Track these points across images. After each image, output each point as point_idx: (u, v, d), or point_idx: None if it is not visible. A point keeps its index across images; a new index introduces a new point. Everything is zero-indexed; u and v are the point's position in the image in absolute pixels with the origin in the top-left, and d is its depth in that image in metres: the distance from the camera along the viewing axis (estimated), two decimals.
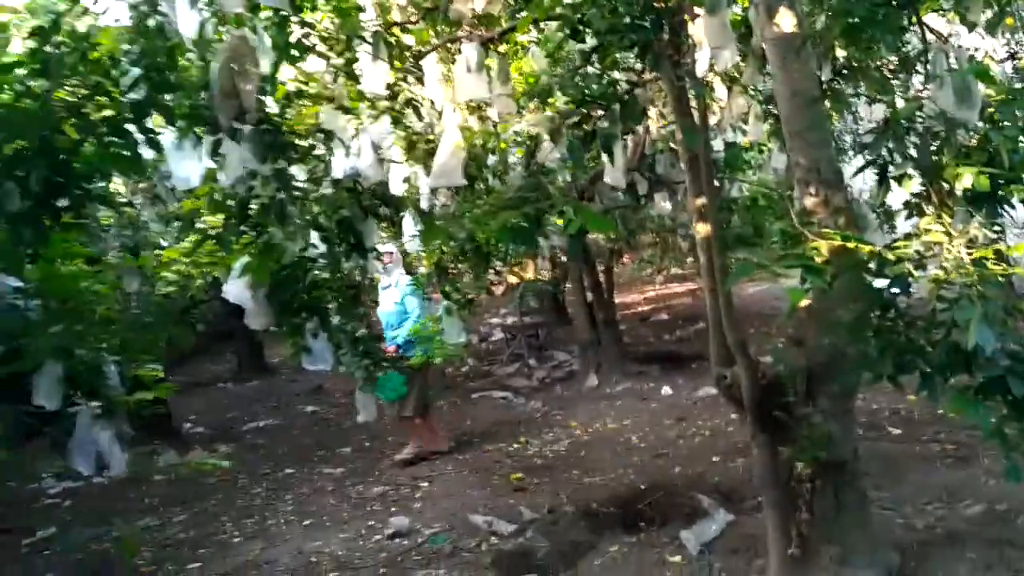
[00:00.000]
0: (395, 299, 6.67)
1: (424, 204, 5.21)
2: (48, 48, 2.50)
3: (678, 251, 11.11)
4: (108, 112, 2.55)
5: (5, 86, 2.35)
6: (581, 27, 3.14)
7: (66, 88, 2.52)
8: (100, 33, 2.52)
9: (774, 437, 3.48)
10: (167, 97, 2.60)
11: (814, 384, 3.35)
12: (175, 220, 5.68)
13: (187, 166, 3.26)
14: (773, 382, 3.43)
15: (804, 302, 2.88)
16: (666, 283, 15.61)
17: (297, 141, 2.82)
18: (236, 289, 3.75)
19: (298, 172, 3.98)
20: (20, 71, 2.57)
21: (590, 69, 3.66)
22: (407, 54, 3.83)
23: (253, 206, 2.85)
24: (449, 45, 4.11)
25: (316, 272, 4.24)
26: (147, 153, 2.69)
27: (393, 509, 5.72)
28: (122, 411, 3.51)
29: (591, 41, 3.28)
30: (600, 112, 3.91)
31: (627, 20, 2.82)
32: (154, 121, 2.83)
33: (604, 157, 4.18)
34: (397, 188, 4.91)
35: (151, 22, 2.72)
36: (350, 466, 7.07)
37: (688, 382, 8.40)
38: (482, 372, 10.47)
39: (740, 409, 3.69)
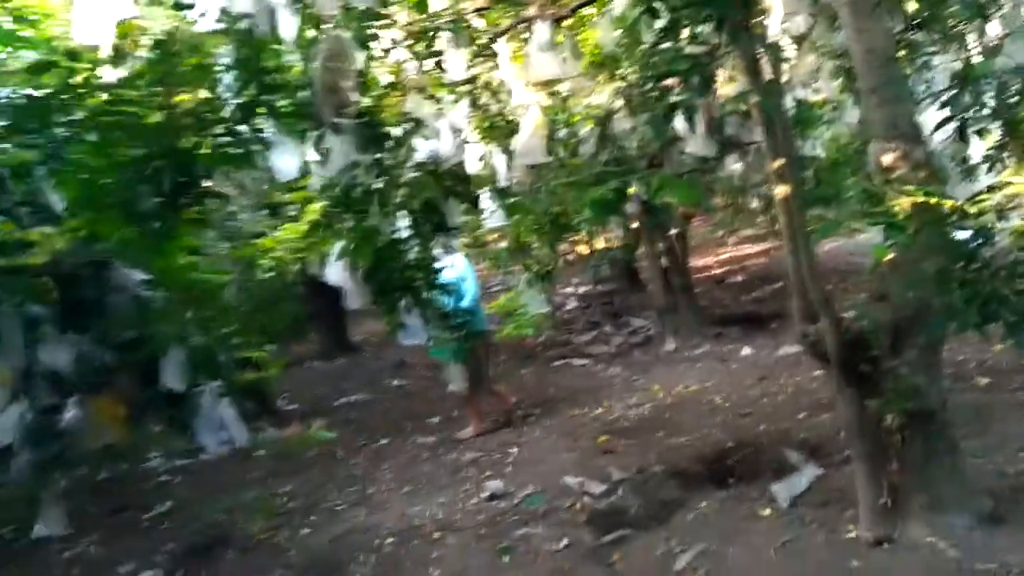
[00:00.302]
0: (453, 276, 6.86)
1: (502, 181, 5.38)
2: (164, 59, 2.74)
3: (750, 212, 11.04)
4: (221, 114, 2.77)
5: (134, 94, 2.59)
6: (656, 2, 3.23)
7: (184, 94, 2.76)
8: (207, 41, 2.74)
9: (861, 391, 3.56)
10: (272, 97, 2.82)
11: (900, 337, 3.41)
12: (266, 209, 5.98)
13: (286, 159, 3.51)
14: (858, 337, 3.50)
15: (887, 257, 2.95)
16: (739, 244, 15.48)
17: (390, 130, 3.00)
18: (336, 272, 4.00)
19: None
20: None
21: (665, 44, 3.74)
22: (481, 37, 3.98)
23: (354, 194, 3.06)
24: (520, 26, 4.24)
25: (406, 252, 4.47)
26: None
27: (487, 473, 5.98)
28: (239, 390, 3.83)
29: (664, 18, 3.36)
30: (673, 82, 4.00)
31: None
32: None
33: (680, 126, 4.25)
34: (473, 167, 5.09)
35: (243, 26, 2.93)
36: (440, 435, 7.35)
37: (768, 341, 8.41)
38: (560, 341, 10.62)
39: (825, 365, 3.77)
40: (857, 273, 9.24)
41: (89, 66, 2.41)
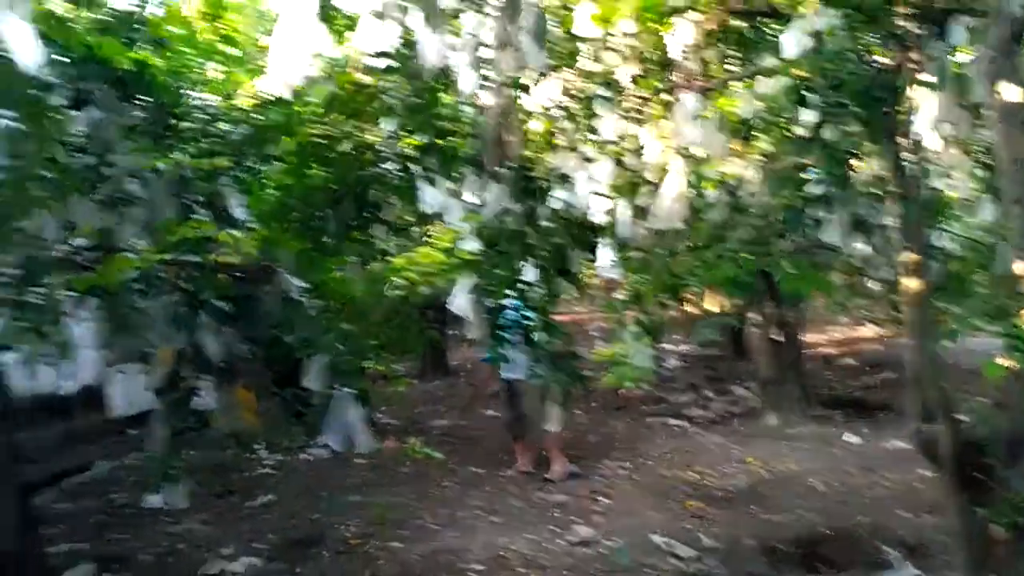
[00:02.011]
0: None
1: (624, 233, 5.55)
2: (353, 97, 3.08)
3: (868, 294, 10.81)
4: (396, 151, 3.09)
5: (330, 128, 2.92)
6: (806, 93, 3.38)
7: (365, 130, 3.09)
8: (388, 81, 3.05)
9: (971, 498, 3.53)
10: (444, 142, 3.11)
11: (1017, 448, 3.38)
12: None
13: (436, 195, 3.84)
14: (974, 442, 3.49)
15: (1011, 364, 2.95)
16: (853, 325, 15.11)
17: (542, 183, 3.25)
18: (460, 302, 4.26)
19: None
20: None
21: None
22: (631, 100, 4.21)
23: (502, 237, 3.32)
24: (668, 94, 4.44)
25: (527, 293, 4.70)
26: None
27: (574, 517, 6.10)
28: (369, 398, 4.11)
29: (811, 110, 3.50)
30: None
31: (854, 92, 3.03)
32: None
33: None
34: (599, 218, 5.30)
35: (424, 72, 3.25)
36: (531, 472, 7.51)
37: (875, 431, 8.23)
38: (656, 397, 10.64)
39: (936, 467, 3.75)
40: (977, 374, 8.92)
41: (303, 103, 2.76)
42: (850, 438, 8.12)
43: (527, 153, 3.37)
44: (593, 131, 3.66)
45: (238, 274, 3.52)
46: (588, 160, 3.90)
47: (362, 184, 2.96)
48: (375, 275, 4.85)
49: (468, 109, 3.16)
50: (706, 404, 9.91)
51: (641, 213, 5.44)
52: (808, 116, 4.21)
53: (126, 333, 3.92)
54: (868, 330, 14.83)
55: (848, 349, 13.55)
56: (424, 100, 3.01)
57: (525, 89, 3.14)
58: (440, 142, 3.04)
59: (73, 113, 3.59)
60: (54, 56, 3.47)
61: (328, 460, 8.38)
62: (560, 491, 6.82)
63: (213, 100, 3.97)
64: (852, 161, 5.52)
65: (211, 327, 3.84)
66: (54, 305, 2.78)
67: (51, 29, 3.30)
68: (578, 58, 3.80)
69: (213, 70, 4.02)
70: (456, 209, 4.26)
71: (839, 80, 3.15)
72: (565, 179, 3.36)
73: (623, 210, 5.31)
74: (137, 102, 3.78)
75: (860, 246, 7.09)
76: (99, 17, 3.65)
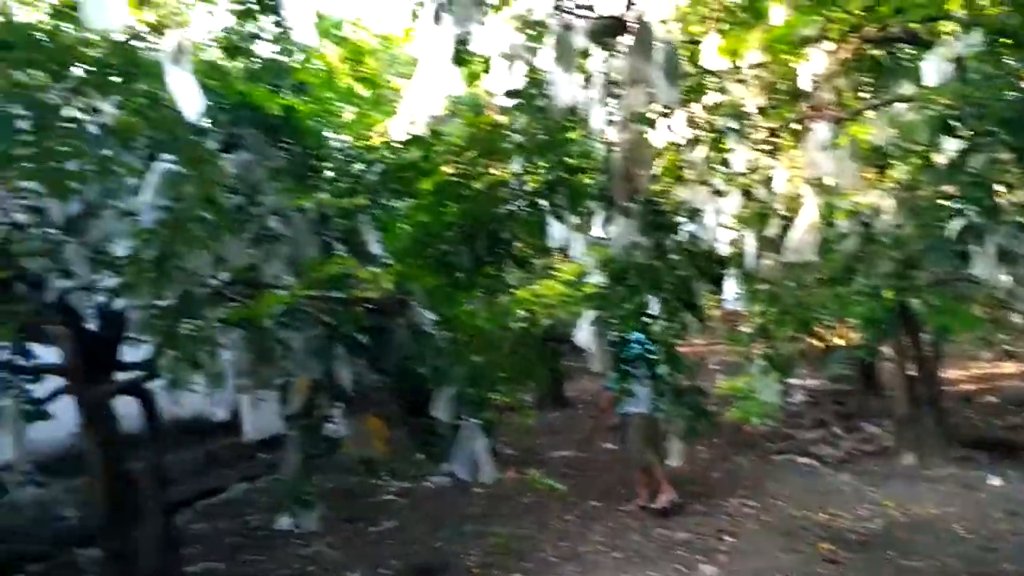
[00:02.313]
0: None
1: (748, 264, 5.44)
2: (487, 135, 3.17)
3: (1012, 328, 10.13)
4: (526, 188, 3.16)
5: (455, 166, 3.03)
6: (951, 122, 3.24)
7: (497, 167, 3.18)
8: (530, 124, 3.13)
9: None
10: (573, 177, 3.17)
11: None
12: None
13: (563, 231, 3.90)
14: None
15: None
16: (994, 361, 14.19)
17: (672, 217, 3.24)
18: (585, 335, 4.27)
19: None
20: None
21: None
22: (761, 131, 4.15)
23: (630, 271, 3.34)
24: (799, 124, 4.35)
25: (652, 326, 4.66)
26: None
27: (698, 556, 5.95)
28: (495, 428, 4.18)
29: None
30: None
31: (1002, 119, 2.89)
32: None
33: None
34: (725, 250, 5.21)
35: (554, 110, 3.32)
36: (652, 507, 7.37)
37: (1020, 474, 7.67)
38: (782, 434, 10.27)
39: None
40: None
41: (439, 142, 2.87)
42: (993, 480, 7.59)
43: (656, 187, 3.37)
44: (723, 163, 3.63)
45: (372, 307, 3.66)
46: (718, 193, 3.86)
47: (495, 221, 3.04)
48: (501, 308, 4.95)
49: (597, 145, 3.19)
50: (836, 442, 9.49)
51: (769, 244, 5.33)
52: (949, 144, 4.04)
53: (267, 363, 4.16)
54: (1011, 366, 13.91)
55: (989, 386, 12.69)
56: (554, 137, 3.06)
57: (653, 124, 3.15)
58: (569, 178, 3.09)
59: (225, 156, 3.87)
60: (209, 103, 3.75)
61: (449, 488, 8.50)
62: (683, 528, 6.67)
63: (351, 141, 4.18)
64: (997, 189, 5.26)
65: (346, 358, 4.01)
66: (210, 337, 2.97)
67: (209, 78, 3.57)
68: (706, 91, 3.79)
69: (351, 112, 4.23)
70: (581, 243, 4.30)
71: (985, 107, 3.01)
72: (694, 212, 3.34)
73: (751, 242, 5.23)
74: (283, 145, 4.02)
75: (1004, 277, 6.70)
76: (250, 66, 3.91)
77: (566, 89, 2.91)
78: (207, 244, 2.88)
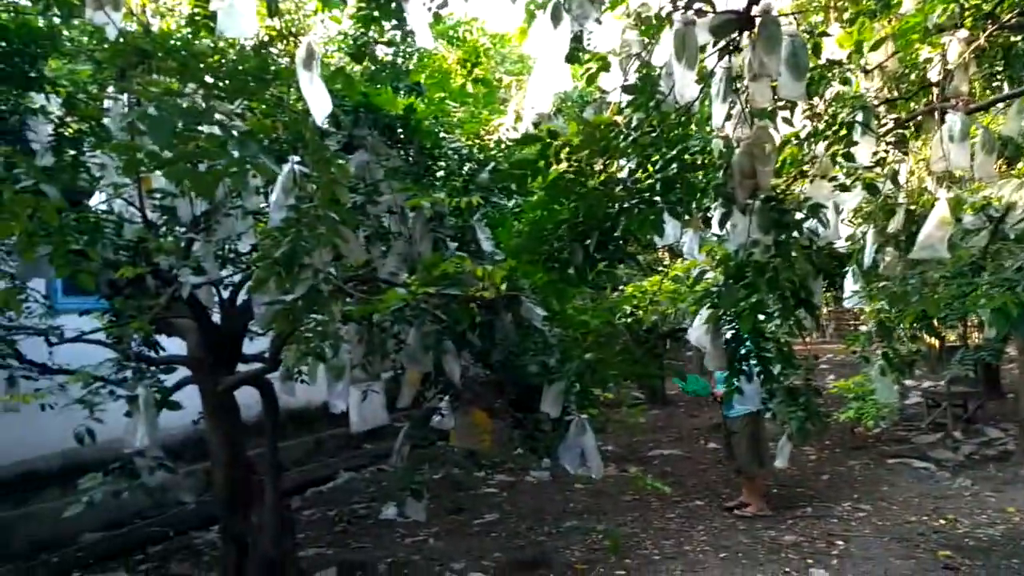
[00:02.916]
0: None
1: (867, 261, 5.25)
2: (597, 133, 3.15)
3: None
4: (642, 185, 3.13)
5: (572, 163, 3.02)
6: None
7: (613, 165, 3.16)
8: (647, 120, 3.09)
9: None
10: (691, 175, 3.12)
11: None
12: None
13: (677, 228, 3.84)
14: None
15: None
16: None
17: (794, 214, 3.15)
18: (698, 334, 4.20)
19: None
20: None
21: None
22: (889, 123, 3.98)
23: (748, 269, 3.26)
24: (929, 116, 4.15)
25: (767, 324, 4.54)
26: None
27: (809, 561, 5.78)
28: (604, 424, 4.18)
29: None
30: None
31: None
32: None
33: None
34: (844, 246, 5.04)
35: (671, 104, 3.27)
36: (762, 513, 7.21)
37: None
38: (896, 437, 9.88)
39: None
40: None
41: (557, 140, 2.88)
42: None
43: (777, 183, 3.28)
44: (848, 157, 3.50)
45: (483, 303, 3.70)
46: (843, 187, 3.72)
47: (610, 218, 3.02)
48: (609, 304, 4.93)
49: (717, 141, 3.13)
50: (955, 446, 9.05)
51: (892, 241, 5.12)
52: None
53: (380, 356, 4.27)
54: None
55: None
56: (670, 133, 3.02)
57: (775, 119, 3.07)
58: (686, 175, 3.04)
59: (346, 157, 3.99)
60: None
61: (549, 484, 8.55)
62: (791, 531, 6.50)
63: (464, 141, 4.23)
64: None
65: (455, 353, 4.08)
66: (334, 331, 3.07)
67: (334, 81, 3.68)
68: (830, 83, 3.67)
69: (465, 112, 4.30)
70: (695, 241, 4.23)
71: None
72: (816, 209, 3.23)
73: (872, 238, 5.04)
74: (400, 145, 4.12)
75: None
76: (370, 69, 4.01)
77: (686, 85, 2.87)
78: (332, 241, 2.96)
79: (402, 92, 4.58)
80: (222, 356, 5.16)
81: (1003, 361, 10.67)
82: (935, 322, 5.85)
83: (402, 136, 4.32)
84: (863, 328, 5.90)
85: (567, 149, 2.87)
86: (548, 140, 2.87)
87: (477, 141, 4.40)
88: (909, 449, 9.16)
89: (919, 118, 4.03)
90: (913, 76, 3.89)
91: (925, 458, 8.68)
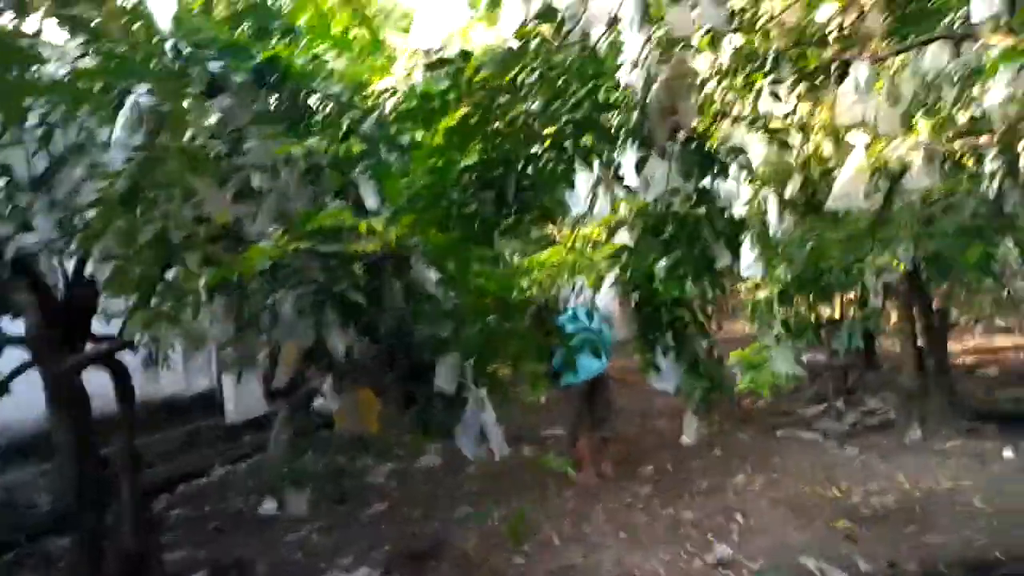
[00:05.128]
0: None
1: (773, 227, 5.13)
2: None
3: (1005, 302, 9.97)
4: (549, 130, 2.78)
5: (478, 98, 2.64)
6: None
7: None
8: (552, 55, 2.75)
9: None
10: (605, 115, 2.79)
11: None
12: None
13: (589, 181, 3.51)
14: None
15: None
16: (985, 334, 14.11)
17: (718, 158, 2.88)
18: (606, 299, 3.92)
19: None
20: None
21: None
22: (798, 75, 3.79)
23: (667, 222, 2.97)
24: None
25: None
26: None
27: (710, 536, 5.65)
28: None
29: None
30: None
31: None
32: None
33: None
34: (739, 210, 4.87)
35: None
36: (654, 486, 7.08)
37: None
38: (781, 410, 10.00)
39: None
40: None
41: (472, 68, 2.49)
42: (1008, 453, 7.35)
43: (698, 124, 3.00)
44: (775, 96, 3.25)
45: (368, 264, 3.28)
46: (768, 132, 3.47)
47: (525, 163, 2.65)
48: (509, 272, 4.57)
49: (631, 76, 2.82)
50: (839, 416, 9.23)
51: (790, 206, 5.00)
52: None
53: (252, 330, 3.77)
54: (1006, 339, 13.80)
55: (988, 359, 12.54)
56: (582, 69, 2.69)
57: (696, 51, 2.79)
58: (600, 118, 2.72)
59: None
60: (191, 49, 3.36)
61: (440, 468, 8.17)
62: (689, 507, 6.37)
63: (345, 87, 3.78)
64: None
65: (337, 324, 3.63)
66: (192, 290, 2.57)
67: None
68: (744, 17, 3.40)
69: (348, 60, 3.86)
70: (606, 200, 3.90)
71: None
72: (737, 152, 2.96)
73: (774, 202, 4.89)
74: (270, 90, 3.62)
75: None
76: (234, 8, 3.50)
77: (593, 14, 2.55)
78: (184, 182, 2.47)
79: (276, 35, 4.07)
80: (68, 336, 4.52)
81: (880, 333, 11.02)
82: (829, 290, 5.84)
83: (272, 82, 3.82)
84: (760, 294, 5.80)
85: (480, 76, 2.47)
86: (460, 65, 2.46)
87: (360, 91, 3.94)
88: (795, 421, 9.26)
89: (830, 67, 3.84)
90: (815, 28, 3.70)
91: (812, 429, 8.80)
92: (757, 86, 3.23)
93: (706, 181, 4.02)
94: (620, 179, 3.30)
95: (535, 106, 2.72)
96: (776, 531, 5.70)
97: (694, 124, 2.80)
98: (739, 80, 3.32)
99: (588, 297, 6.72)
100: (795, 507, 6.23)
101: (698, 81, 2.70)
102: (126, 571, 4.55)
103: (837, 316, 9.78)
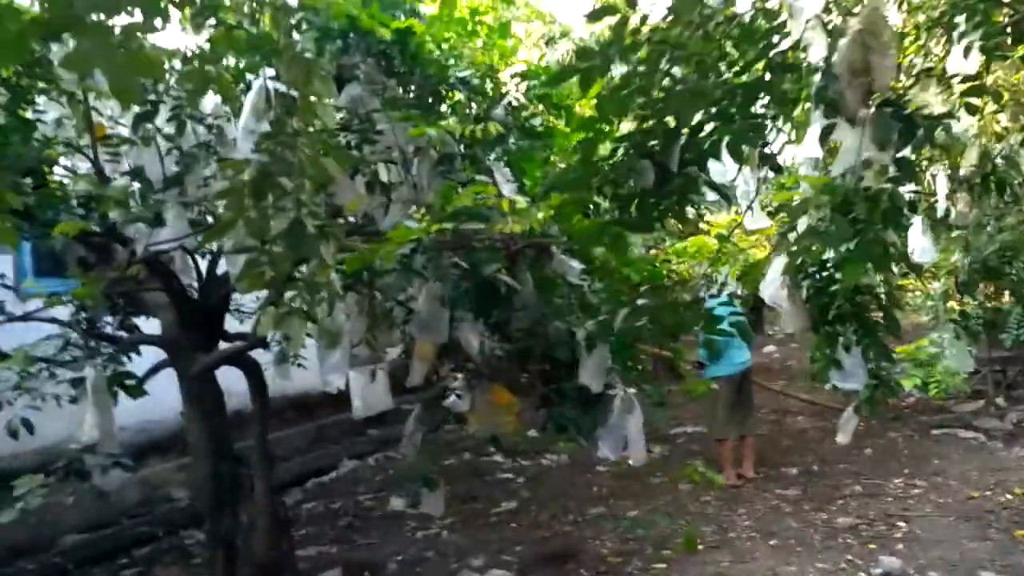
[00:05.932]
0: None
1: (941, 207, 4.61)
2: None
3: None
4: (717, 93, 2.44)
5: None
6: None
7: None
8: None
9: None
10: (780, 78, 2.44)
11: None
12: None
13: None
14: None
15: None
16: None
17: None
18: (772, 289, 3.50)
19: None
20: None
21: None
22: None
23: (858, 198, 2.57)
24: None
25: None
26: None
27: (872, 546, 5.15)
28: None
29: None
30: None
31: None
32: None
33: None
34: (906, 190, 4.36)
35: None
36: (802, 489, 6.59)
37: None
38: (933, 406, 9.21)
39: None
40: None
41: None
42: None
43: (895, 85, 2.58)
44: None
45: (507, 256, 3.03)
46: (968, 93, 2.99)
47: (690, 132, 2.32)
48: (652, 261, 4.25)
49: (811, 33, 2.43)
50: (1001, 414, 8.40)
51: (964, 185, 4.45)
52: None
53: (388, 327, 3.60)
54: None
55: None
56: (757, 27, 2.34)
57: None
58: (776, 82, 2.36)
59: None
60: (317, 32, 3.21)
61: (569, 467, 7.90)
62: (845, 512, 5.87)
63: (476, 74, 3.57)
64: None
65: (472, 321, 3.42)
66: (325, 284, 2.38)
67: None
68: None
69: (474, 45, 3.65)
70: (752, 182, 3.45)
71: None
72: (942, 117, 2.52)
73: (943, 181, 4.38)
74: (399, 78, 3.44)
75: None
76: None
77: None
78: (315, 170, 2.27)
79: (401, 18, 3.90)
80: (201, 335, 4.50)
81: None
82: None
83: (400, 69, 3.64)
84: (935, 285, 5.22)
85: (647, 26, 2.15)
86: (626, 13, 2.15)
87: (490, 75, 3.71)
88: (952, 418, 8.49)
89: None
90: None
91: (971, 428, 8.03)
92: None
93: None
94: (768, 161, 2.89)
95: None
96: (947, 541, 5.16)
97: (892, 84, 2.40)
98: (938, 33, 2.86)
99: (729, 290, 6.33)
100: (965, 514, 5.64)
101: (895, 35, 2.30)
102: (260, 569, 4.50)
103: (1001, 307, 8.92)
